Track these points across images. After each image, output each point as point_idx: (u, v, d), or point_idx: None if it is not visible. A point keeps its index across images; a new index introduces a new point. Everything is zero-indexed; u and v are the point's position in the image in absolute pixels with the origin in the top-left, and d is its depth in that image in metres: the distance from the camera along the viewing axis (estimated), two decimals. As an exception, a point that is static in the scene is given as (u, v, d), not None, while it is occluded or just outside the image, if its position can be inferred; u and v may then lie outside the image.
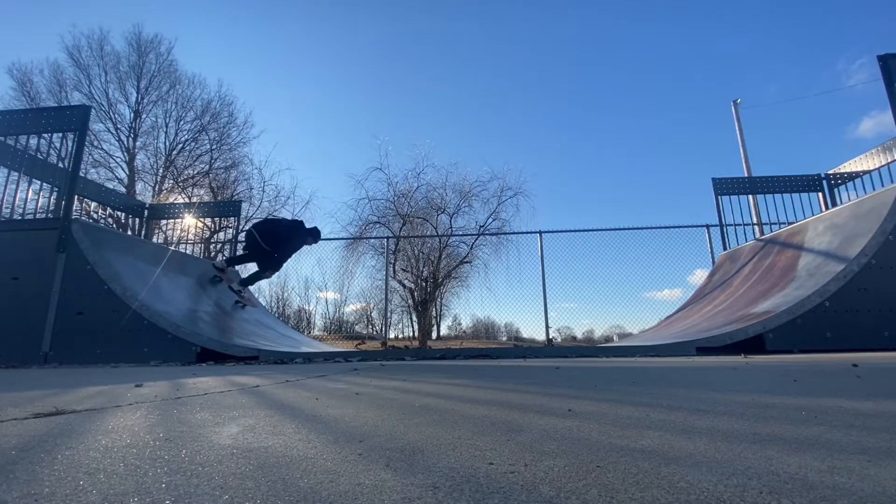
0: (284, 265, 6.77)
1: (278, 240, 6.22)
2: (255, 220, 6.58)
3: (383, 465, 0.75)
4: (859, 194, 7.02)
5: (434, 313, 16.82)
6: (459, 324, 20.59)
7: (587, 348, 5.37)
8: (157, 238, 12.65)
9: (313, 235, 6.55)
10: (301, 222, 6.64)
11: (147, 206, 9.14)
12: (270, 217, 6.53)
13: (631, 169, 40.34)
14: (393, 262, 13.16)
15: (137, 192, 17.95)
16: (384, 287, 10.40)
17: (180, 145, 19.14)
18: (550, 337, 8.06)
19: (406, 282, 14.43)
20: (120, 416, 1.27)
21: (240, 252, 6.84)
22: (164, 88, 19.08)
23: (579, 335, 13.82)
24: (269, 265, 6.39)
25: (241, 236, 6.65)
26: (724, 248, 7.76)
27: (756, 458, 0.73)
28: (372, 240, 14.11)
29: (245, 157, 19.87)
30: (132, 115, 18.60)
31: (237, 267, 7.51)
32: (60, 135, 5.38)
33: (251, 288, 7.47)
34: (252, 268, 6.86)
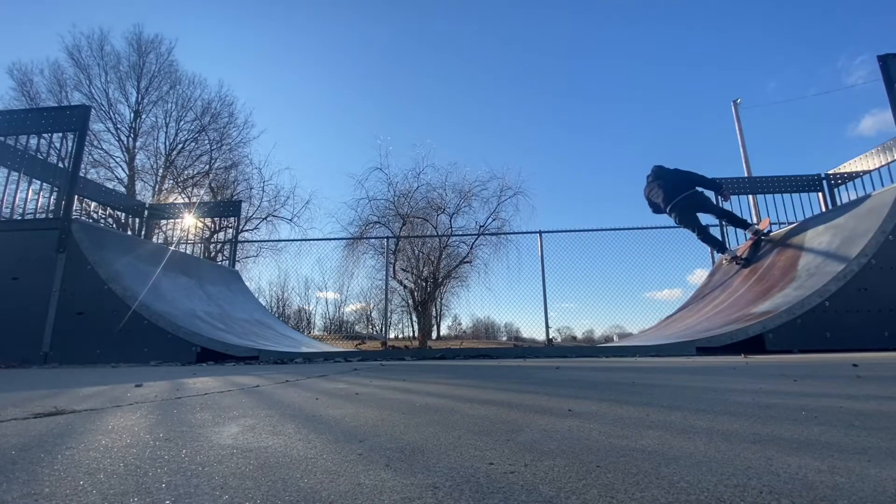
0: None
1: (679, 184, 6.01)
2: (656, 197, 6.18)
3: (383, 465, 0.75)
4: (859, 194, 7.03)
5: (434, 313, 16.84)
6: (459, 324, 20.59)
7: (587, 348, 5.37)
8: (157, 238, 12.66)
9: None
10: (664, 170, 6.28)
11: (147, 206, 9.15)
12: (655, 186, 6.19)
13: (631, 169, 40.38)
14: (393, 262, 13.15)
15: (137, 192, 17.96)
16: (384, 287, 10.41)
17: (180, 145, 19.16)
18: (550, 337, 8.06)
19: (406, 282, 14.43)
20: (120, 416, 1.27)
21: (703, 228, 6.25)
22: (165, 88, 19.12)
23: (579, 335, 13.83)
24: (703, 195, 6.06)
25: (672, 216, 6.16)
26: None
27: (756, 458, 0.73)
28: (372, 240, 14.11)
29: (245, 157, 19.89)
30: (132, 115, 18.62)
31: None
32: (60, 135, 5.38)
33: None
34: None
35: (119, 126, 18.28)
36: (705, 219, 6.45)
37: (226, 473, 0.71)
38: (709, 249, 8.40)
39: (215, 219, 12.87)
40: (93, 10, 32.44)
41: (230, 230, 9.82)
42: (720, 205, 6.44)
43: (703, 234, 6.30)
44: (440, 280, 14.48)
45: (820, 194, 7.89)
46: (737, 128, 14.36)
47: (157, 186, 18.55)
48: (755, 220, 8.94)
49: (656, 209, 6.35)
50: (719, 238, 6.58)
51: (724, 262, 6.47)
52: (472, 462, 0.76)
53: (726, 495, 0.57)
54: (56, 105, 15.73)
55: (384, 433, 1.01)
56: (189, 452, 0.85)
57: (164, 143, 18.95)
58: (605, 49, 41.80)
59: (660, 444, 0.84)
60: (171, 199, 17.98)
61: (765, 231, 6.19)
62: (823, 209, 7.44)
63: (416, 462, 0.77)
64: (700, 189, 6.14)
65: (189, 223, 9.26)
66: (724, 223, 6.93)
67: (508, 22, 41.80)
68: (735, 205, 7.86)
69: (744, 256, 6.14)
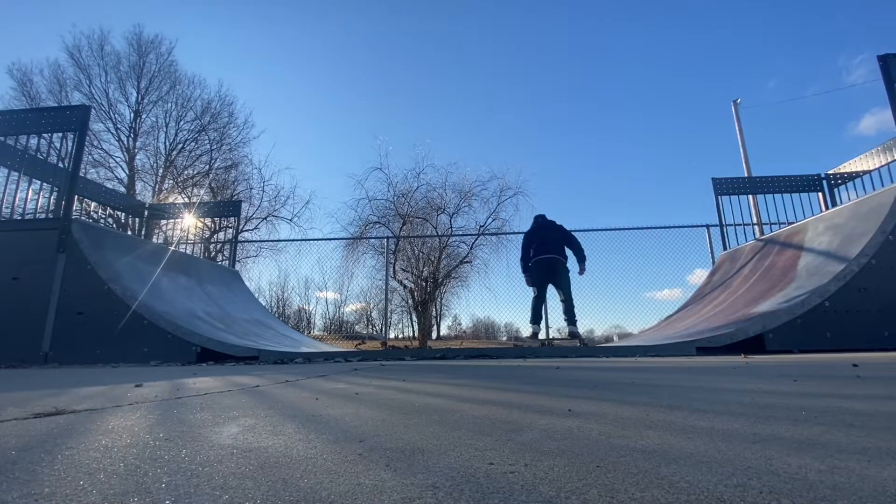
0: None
1: (559, 244, 5.91)
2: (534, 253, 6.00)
3: (383, 465, 0.75)
4: (859, 194, 7.03)
5: (434, 313, 16.83)
6: (459, 324, 20.59)
7: (587, 348, 5.38)
8: (157, 238, 12.66)
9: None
10: (544, 219, 6.21)
11: (147, 206, 9.15)
12: (531, 239, 6.14)
13: (631, 169, 40.38)
14: (393, 262, 13.15)
15: (137, 192, 17.96)
16: (384, 287, 10.41)
17: (180, 145, 19.16)
18: (550, 337, 8.06)
19: (406, 282, 14.43)
20: (120, 416, 1.27)
21: (533, 301, 6.03)
22: (165, 88, 19.11)
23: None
24: (565, 274, 5.90)
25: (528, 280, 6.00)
26: (724, 248, 7.76)
27: (756, 458, 0.73)
28: (372, 240, 14.11)
29: (245, 157, 19.89)
30: (132, 115, 18.62)
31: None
32: (60, 135, 5.38)
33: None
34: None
35: (119, 126, 18.29)
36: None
37: (226, 473, 0.71)
38: (709, 249, 8.42)
39: (215, 219, 12.88)
40: (93, 10, 32.48)
41: (230, 230, 9.82)
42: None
43: (538, 300, 6.09)
44: (440, 280, 14.47)
45: (820, 194, 7.90)
46: (737, 128, 14.35)
47: (157, 186, 18.55)
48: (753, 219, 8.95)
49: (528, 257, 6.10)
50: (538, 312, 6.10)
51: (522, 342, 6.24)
52: (472, 462, 0.76)
53: (726, 495, 0.57)
54: (56, 105, 15.74)
55: (384, 433, 1.01)
56: (189, 452, 0.85)
57: (164, 143, 18.97)
58: (605, 49, 41.80)
59: (660, 444, 0.84)
60: (171, 199, 17.98)
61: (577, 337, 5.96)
62: (823, 209, 7.44)
63: (416, 462, 0.77)
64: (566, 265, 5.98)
65: (189, 223, 9.26)
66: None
67: (508, 22, 41.82)
68: (735, 205, 7.89)
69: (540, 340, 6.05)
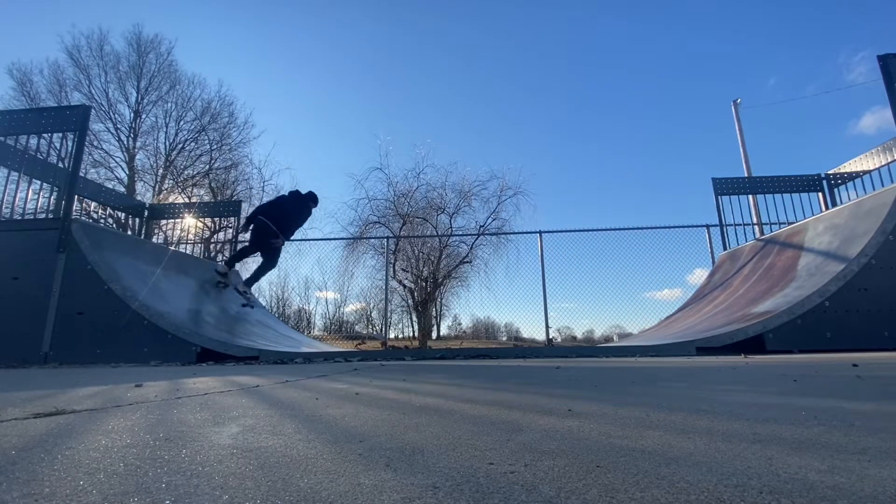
0: (281, 258, 6.61)
1: (288, 220, 6.03)
2: (255, 206, 6.30)
3: (383, 465, 0.75)
4: (859, 194, 7.03)
5: (434, 313, 16.83)
6: (459, 324, 20.58)
7: (587, 348, 5.38)
8: (157, 238, 12.66)
9: (314, 200, 6.37)
10: (297, 191, 6.37)
11: (147, 206, 9.14)
12: (269, 201, 6.21)
13: (631, 169, 40.34)
14: (393, 262, 13.16)
15: (137, 192, 17.94)
16: (384, 287, 10.40)
17: (180, 145, 19.14)
18: (550, 337, 8.06)
19: (406, 282, 14.44)
20: (120, 416, 1.27)
21: (242, 245, 6.47)
22: (164, 88, 19.08)
23: (579, 335, 13.81)
24: (273, 253, 6.13)
25: (245, 228, 6.18)
26: (724, 248, 7.76)
27: (756, 458, 0.73)
28: (372, 240, 14.11)
29: (245, 157, 19.87)
30: (132, 115, 18.60)
31: (237, 266, 7.18)
32: (60, 135, 5.38)
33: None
34: (251, 266, 6.69)
35: (119, 126, 18.27)
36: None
37: (226, 473, 0.71)
38: (709, 249, 8.42)
39: (215, 219, 12.88)
40: (92, 10, 32.43)
41: (230, 230, 9.81)
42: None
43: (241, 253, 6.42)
44: (440, 280, 14.48)
45: (820, 194, 7.90)
46: (737, 128, 14.36)
47: (157, 186, 18.54)
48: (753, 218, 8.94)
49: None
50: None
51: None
52: (472, 462, 0.76)
53: (726, 495, 0.57)
54: (56, 105, 15.74)
55: (384, 433, 1.01)
56: (189, 452, 0.85)
57: (164, 143, 18.95)
58: (605, 49, 41.80)
59: (660, 444, 0.84)
60: (171, 199, 17.98)
61: (222, 272, 6.40)
62: (823, 209, 7.44)
63: (416, 462, 0.77)
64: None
65: (189, 223, 9.26)
66: None
67: (508, 22, 41.82)
68: (735, 205, 7.89)
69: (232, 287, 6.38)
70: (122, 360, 4.54)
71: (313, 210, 6.46)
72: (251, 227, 5.99)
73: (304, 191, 6.37)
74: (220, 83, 23.60)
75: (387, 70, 43.99)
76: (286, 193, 6.36)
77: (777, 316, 4.22)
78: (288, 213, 6.07)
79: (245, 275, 7.10)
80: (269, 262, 6.22)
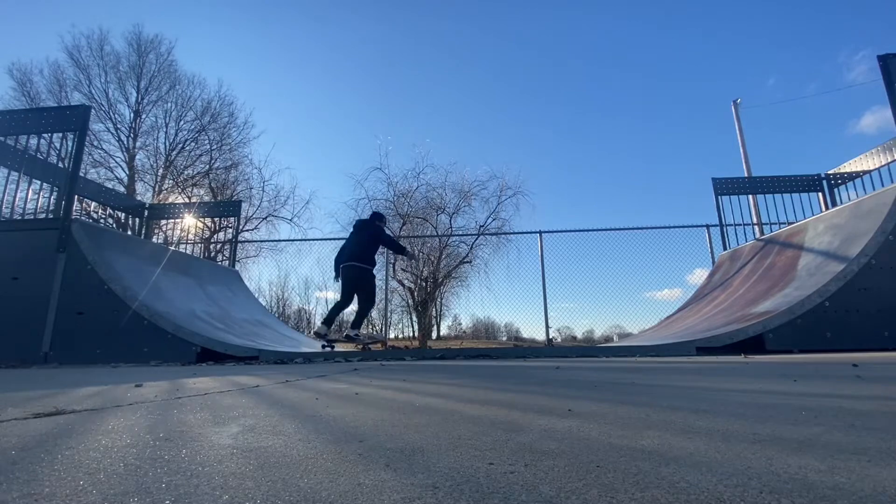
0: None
1: (369, 254, 5.77)
2: (338, 255, 5.94)
3: (383, 465, 0.75)
4: (859, 194, 7.03)
5: (434, 313, 16.83)
6: (459, 324, 20.57)
7: (587, 348, 5.38)
8: (157, 238, 12.65)
9: (376, 217, 6.10)
10: (360, 220, 6.11)
11: (147, 206, 9.14)
12: (347, 241, 5.99)
13: (631, 169, 40.33)
14: (393, 262, 13.15)
15: (137, 192, 17.94)
16: (384, 287, 10.40)
17: (180, 145, 19.14)
18: (550, 337, 8.06)
19: (406, 282, 14.44)
20: (120, 416, 1.27)
21: (336, 302, 5.88)
22: (164, 88, 19.08)
23: (579, 335, 13.81)
24: (370, 288, 5.73)
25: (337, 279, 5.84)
26: (724, 248, 7.76)
27: (756, 458, 0.73)
28: (372, 240, 14.08)
29: (245, 157, 19.87)
30: (132, 115, 18.60)
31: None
32: (60, 135, 5.38)
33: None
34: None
35: (119, 126, 18.27)
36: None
37: (226, 473, 0.71)
38: (709, 249, 8.42)
39: (215, 219, 12.88)
40: (92, 10, 32.43)
41: (230, 230, 9.82)
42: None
43: (337, 306, 5.89)
44: (440, 280, 14.48)
45: (820, 194, 7.90)
46: (737, 128, 14.36)
47: (157, 186, 18.54)
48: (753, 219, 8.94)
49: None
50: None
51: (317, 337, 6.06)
52: (472, 462, 0.76)
53: (726, 495, 0.57)
54: (56, 105, 15.74)
55: (384, 433, 1.01)
56: (189, 452, 0.85)
57: (164, 143, 18.94)
58: (605, 48, 41.80)
59: (660, 444, 0.84)
60: (171, 199, 17.98)
61: (322, 334, 5.82)
62: (823, 209, 7.44)
63: (416, 462, 0.77)
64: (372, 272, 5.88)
65: (189, 223, 9.26)
66: None
67: (508, 22, 41.81)
68: (735, 205, 7.89)
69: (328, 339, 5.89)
70: (122, 360, 4.54)
71: (381, 225, 6.09)
72: (339, 280, 5.77)
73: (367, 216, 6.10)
74: (220, 83, 23.56)
75: (386, 70, 43.99)
76: (358, 222, 6.12)
77: (777, 316, 4.22)
78: (354, 243, 5.81)
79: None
80: (367, 301, 5.81)
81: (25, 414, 1.31)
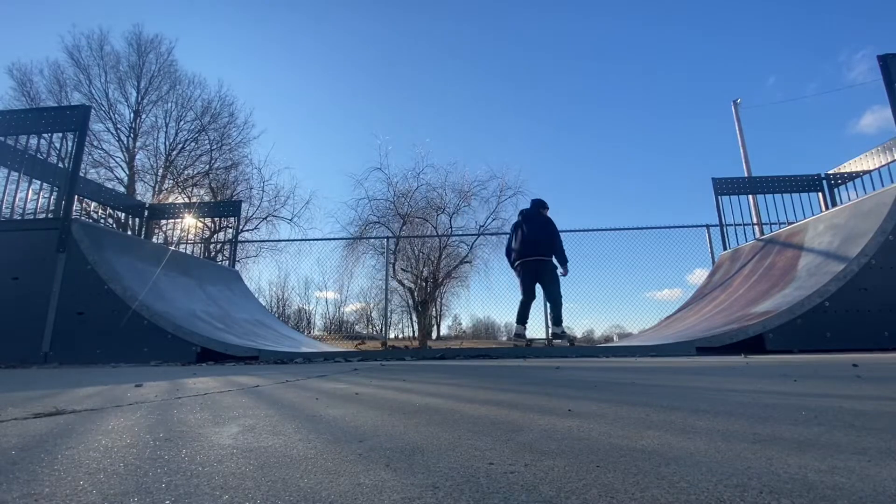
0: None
1: (529, 238, 5.62)
2: (513, 251, 5.74)
3: (383, 465, 0.75)
4: (859, 194, 7.03)
5: (434, 313, 16.83)
6: (459, 324, 20.58)
7: (587, 348, 5.37)
8: (157, 238, 12.66)
9: (538, 205, 5.90)
10: (537, 212, 5.82)
11: (147, 206, 9.14)
12: (522, 233, 5.76)
13: (631, 169, 40.36)
14: (393, 262, 13.17)
15: (137, 192, 17.95)
16: (384, 287, 10.40)
17: (180, 145, 19.16)
18: (550, 337, 8.06)
19: (406, 282, 14.45)
20: (120, 416, 1.27)
21: (522, 301, 5.72)
22: (164, 88, 19.11)
23: (579, 335, 13.79)
24: (558, 279, 5.60)
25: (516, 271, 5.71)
26: (724, 248, 7.76)
27: (756, 458, 0.73)
28: (372, 240, 14.12)
29: (245, 157, 19.89)
30: (132, 115, 18.62)
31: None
32: (60, 135, 5.38)
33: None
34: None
35: (119, 126, 18.29)
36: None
37: (226, 473, 0.71)
38: (709, 249, 8.42)
39: (215, 219, 12.89)
40: (92, 10, 32.46)
41: (230, 230, 9.82)
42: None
43: (525, 302, 5.79)
44: (440, 280, 14.48)
45: (820, 194, 7.90)
46: (737, 128, 14.37)
47: (157, 186, 18.55)
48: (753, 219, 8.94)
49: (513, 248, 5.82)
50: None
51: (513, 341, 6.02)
52: (472, 462, 0.76)
53: (726, 495, 0.57)
54: (56, 105, 15.73)
55: (384, 433, 1.01)
56: (189, 452, 0.85)
57: (164, 143, 18.96)
58: (604, 48, 41.81)
59: (660, 444, 0.84)
60: (171, 199, 17.98)
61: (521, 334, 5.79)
62: (823, 209, 7.44)
63: (416, 462, 0.77)
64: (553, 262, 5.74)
65: (189, 223, 9.26)
66: None
67: (508, 21, 41.83)
68: (735, 205, 7.89)
69: (527, 339, 5.86)
70: (122, 360, 4.54)
71: (545, 212, 5.89)
72: (519, 274, 5.71)
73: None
74: (220, 83, 23.65)
75: (386, 70, 43.99)
76: (518, 218, 5.96)
77: (777, 316, 4.22)
78: (526, 232, 5.67)
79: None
80: (559, 293, 5.70)
81: (25, 414, 1.31)
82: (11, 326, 4.71)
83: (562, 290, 5.73)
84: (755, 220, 9.29)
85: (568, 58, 42.45)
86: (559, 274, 5.72)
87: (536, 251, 5.61)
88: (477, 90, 44.97)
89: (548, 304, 5.80)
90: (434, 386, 2.05)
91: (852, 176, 7.56)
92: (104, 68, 18.29)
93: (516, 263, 5.79)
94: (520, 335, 5.80)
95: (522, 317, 5.80)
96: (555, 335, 5.78)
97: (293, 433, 1.02)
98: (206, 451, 0.86)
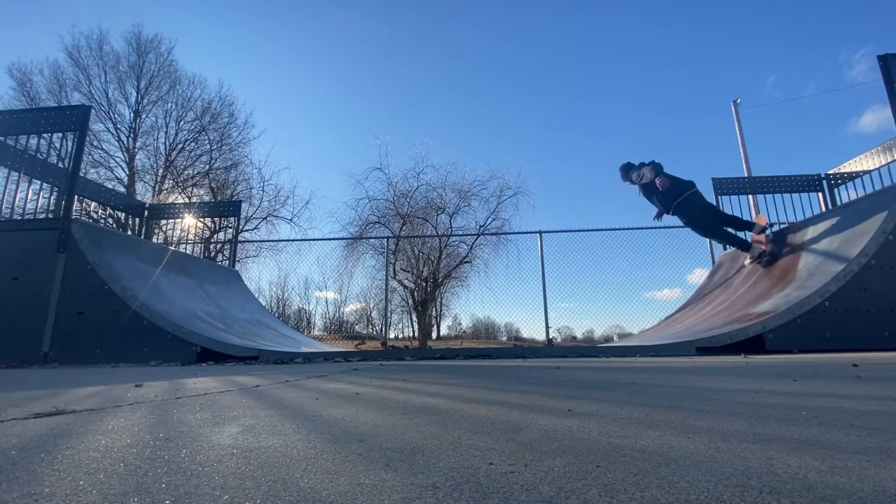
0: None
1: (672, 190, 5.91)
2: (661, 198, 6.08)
3: (383, 465, 0.75)
4: (859, 194, 7.03)
5: (434, 313, 16.83)
6: (459, 324, 20.57)
7: (587, 348, 5.37)
8: (157, 238, 12.66)
9: (632, 168, 6.28)
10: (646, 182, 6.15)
11: (147, 206, 9.14)
12: (651, 190, 6.24)
13: (631, 169, 40.22)
14: (393, 262, 13.16)
15: (137, 192, 17.95)
16: (384, 287, 10.40)
17: (180, 145, 19.15)
18: (550, 337, 8.06)
19: (406, 282, 14.45)
20: (120, 416, 1.27)
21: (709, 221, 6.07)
22: (164, 88, 19.09)
23: (579, 335, 13.80)
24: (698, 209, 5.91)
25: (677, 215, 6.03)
26: (724, 248, 7.75)
27: (756, 458, 0.73)
28: (372, 240, 14.12)
29: (245, 157, 19.88)
30: (132, 115, 18.61)
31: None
32: (60, 135, 5.38)
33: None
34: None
35: (119, 126, 18.28)
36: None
37: (226, 473, 0.71)
38: (709, 249, 8.41)
39: (215, 219, 12.88)
40: (92, 10, 32.48)
41: (230, 230, 9.82)
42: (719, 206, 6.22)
43: (722, 231, 6.12)
44: (440, 280, 14.48)
45: (820, 194, 7.89)
46: (737, 127, 14.37)
47: (157, 186, 18.54)
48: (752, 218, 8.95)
49: (653, 193, 6.12)
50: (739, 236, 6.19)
51: (746, 262, 6.16)
52: (472, 462, 0.76)
53: (726, 495, 0.57)
54: (56, 105, 15.73)
55: (384, 433, 1.01)
56: (189, 452, 0.85)
57: (164, 143, 18.95)
58: (604, 47, 41.81)
59: (660, 444, 0.84)
60: (171, 199, 17.98)
61: (763, 227, 6.02)
62: (823, 209, 7.44)
63: (416, 462, 0.77)
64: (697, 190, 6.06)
65: (189, 223, 9.26)
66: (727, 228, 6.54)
67: (508, 21, 41.83)
68: (735, 205, 7.88)
69: (769, 252, 5.78)
70: (122, 360, 4.54)
71: (642, 174, 6.19)
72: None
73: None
74: (220, 83, 23.64)
75: (386, 70, 44.00)
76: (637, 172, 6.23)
77: (777, 316, 4.22)
78: (665, 189, 5.98)
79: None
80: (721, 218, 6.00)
81: (25, 414, 1.31)
82: (11, 326, 4.71)
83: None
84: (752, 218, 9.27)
85: (568, 57, 42.46)
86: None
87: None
88: (477, 90, 44.98)
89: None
90: (434, 386, 2.05)
91: (852, 176, 7.55)
92: (104, 68, 18.29)
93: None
94: (763, 251, 5.87)
95: (740, 241, 6.14)
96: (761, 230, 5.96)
97: (293, 433, 1.02)
98: (206, 451, 0.86)
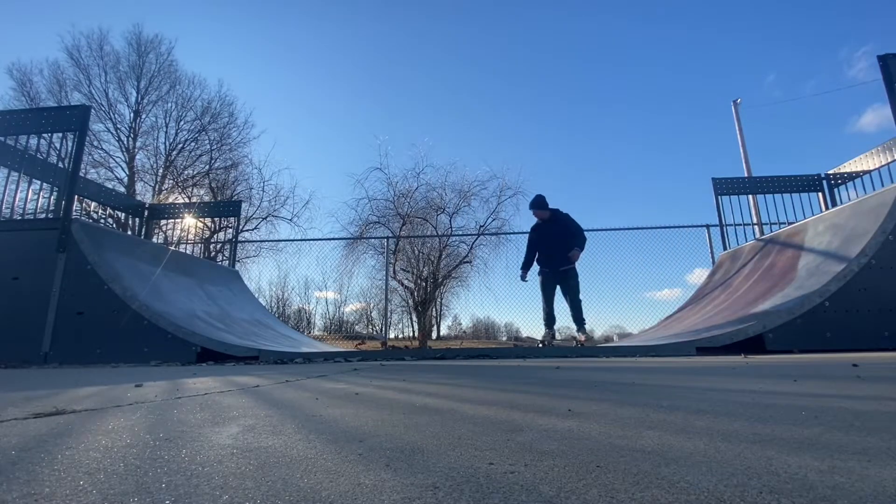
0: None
1: (547, 242, 5.83)
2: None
3: (383, 465, 0.75)
4: (859, 194, 7.03)
5: (434, 313, 16.83)
6: (459, 324, 20.60)
7: (587, 348, 5.37)
8: (157, 238, 12.65)
9: (544, 207, 5.97)
10: (554, 212, 5.96)
11: (147, 206, 9.14)
12: (546, 241, 5.99)
13: (631, 169, 40.36)
14: (393, 262, 13.15)
15: (137, 192, 17.96)
16: (384, 287, 10.40)
17: (180, 145, 19.17)
18: (577, 336, 8.05)
19: (406, 282, 14.44)
20: (120, 416, 1.27)
21: (545, 299, 5.96)
22: (164, 88, 19.12)
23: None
24: (562, 278, 5.84)
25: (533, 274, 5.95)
26: (724, 248, 7.75)
27: (756, 458, 0.73)
28: (372, 240, 14.12)
29: (245, 157, 19.90)
30: (132, 115, 18.63)
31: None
32: (60, 135, 5.38)
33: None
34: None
35: (119, 126, 18.30)
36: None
37: (226, 473, 0.71)
38: (709, 249, 8.42)
39: (215, 219, 12.88)
40: (92, 10, 32.49)
41: (230, 230, 9.82)
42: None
43: (550, 306, 5.99)
44: (440, 280, 14.48)
45: (820, 194, 7.89)
46: (737, 127, 14.37)
47: (157, 186, 18.55)
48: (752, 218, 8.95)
49: (553, 252, 5.89)
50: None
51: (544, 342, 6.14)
52: (472, 462, 0.76)
53: (726, 495, 0.57)
54: (56, 105, 15.73)
55: (384, 433, 1.01)
56: (189, 452, 0.85)
57: (164, 143, 18.97)
58: (604, 47, 41.82)
59: (660, 444, 0.84)
60: (171, 199, 17.99)
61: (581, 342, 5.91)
62: (823, 209, 7.44)
63: (416, 462, 0.77)
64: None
65: (189, 223, 9.26)
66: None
67: (508, 21, 41.84)
68: (735, 205, 7.89)
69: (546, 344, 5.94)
70: (122, 360, 4.54)
71: (547, 213, 5.95)
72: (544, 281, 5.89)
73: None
74: (220, 83, 23.66)
75: (387, 69, 44.01)
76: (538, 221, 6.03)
77: (777, 316, 4.22)
78: (548, 247, 5.85)
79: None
80: (574, 282, 5.82)
81: (25, 414, 1.31)
82: (11, 326, 4.71)
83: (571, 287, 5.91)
84: (755, 220, 9.27)
85: (568, 57, 42.47)
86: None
87: (561, 263, 5.83)
88: (477, 90, 44.99)
89: (571, 310, 5.94)
90: (434, 386, 2.05)
91: (852, 176, 7.55)
92: (104, 68, 18.31)
93: (539, 272, 5.98)
94: (552, 336, 6.03)
95: (550, 320, 6.00)
96: (581, 335, 5.93)
97: (293, 433, 1.02)
98: (206, 451, 0.86)
